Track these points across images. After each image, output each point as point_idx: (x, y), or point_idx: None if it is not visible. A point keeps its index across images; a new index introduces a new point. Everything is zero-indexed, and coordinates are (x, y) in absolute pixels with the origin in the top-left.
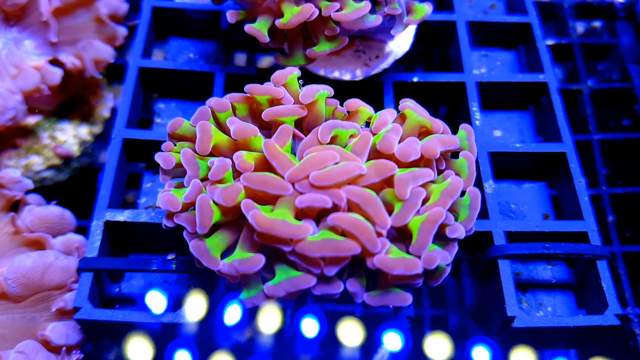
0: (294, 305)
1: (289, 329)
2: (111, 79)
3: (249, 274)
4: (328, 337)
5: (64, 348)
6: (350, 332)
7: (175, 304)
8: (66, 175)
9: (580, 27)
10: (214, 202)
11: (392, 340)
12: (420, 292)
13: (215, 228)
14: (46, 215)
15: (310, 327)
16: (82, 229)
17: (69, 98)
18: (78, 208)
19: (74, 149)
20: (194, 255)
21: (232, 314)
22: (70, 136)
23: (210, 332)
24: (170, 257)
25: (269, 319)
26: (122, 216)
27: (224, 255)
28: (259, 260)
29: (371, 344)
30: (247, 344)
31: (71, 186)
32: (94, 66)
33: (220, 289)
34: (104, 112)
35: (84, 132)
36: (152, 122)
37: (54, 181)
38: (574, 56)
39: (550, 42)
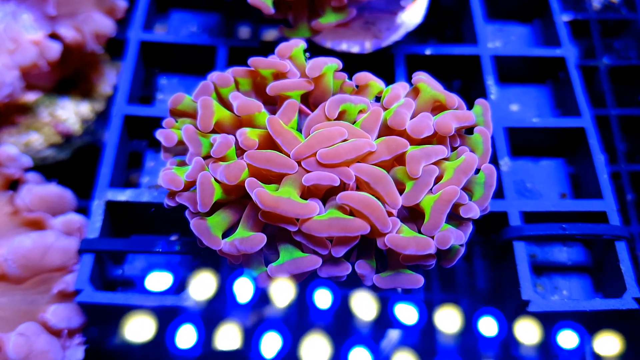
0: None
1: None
2: (113, 55)
3: (250, 254)
4: (338, 314)
5: (65, 331)
6: (361, 309)
7: (179, 286)
8: (68, 153)
9: (596, 3)
10: (216, 180)
11: (405, 314)
12: (430, 275)
13: (217, 207)
14: (46, 194)
15: (323, 299)
16: (85, 210)
17: (69, 74)
18: (80, 187)
19: (75, 126)
20: (195, 234)
21: (242, 290)
22: (72, 113)
23: (216, 310)
24: (173, 238)
25: (281, 292)
26: (124, 196)
27: (226, 235)
28: (261, 239)
29: (379, 328)
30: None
31: (73, 165)
32: (95, 40)
33: (223, 270)
34: (106, 88)
35: (86, 109)
36: (154, 98)
37: (56, 160)
38: (590, 33)
39: (566, 17)
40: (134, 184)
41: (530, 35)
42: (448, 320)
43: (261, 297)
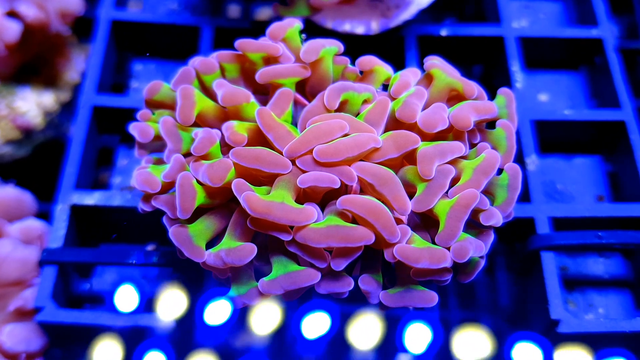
0: (296, 305)
1: (292, 327)
2: (81, 36)
3: (238, 267)
4: (337, 339)
5: (24, 355)
6: (364, 333)
7: (149, 304)
8: (28, 150)
9: None
10: (198, 181)
11: (417, 339)
12: (446, 291)
13: (200, 213)
14: (2, 198)
15: (317, 324)
16: (46, 215)
17: (31, 59)
18: (41, 189)
19: (36, 120)
20: (174, 244)
21: (218, 313)
22: (33, 105)
23: (192, 334)
24: (149, 247)
25: (266, 317)
26: (92, 199)
27: (210, 245)
28: (250, 250)
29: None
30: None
31: (34, 163)
32: (60, 19)
33: (208, 285)
34: (73, 75)
35: (49, 99)
36: (128, 86)
37: (14, 158)
38: (633, 8)
39: None
40: (103, 185)
41: (562, 13)
42: (472, 346)
43: (240, 320)
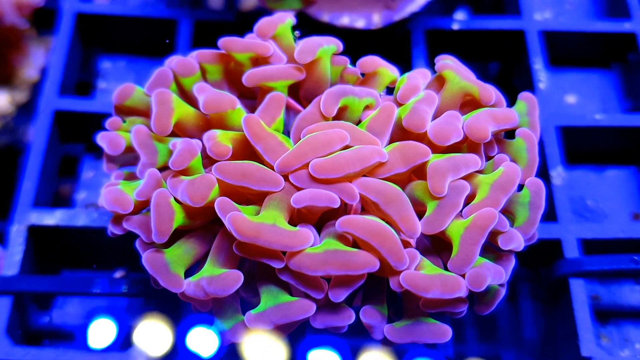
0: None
1: None
2: (41, 29)
3: (222, 298)
4: None
5: None
6: None
7: (126, 339)
8: None
9: None
10: (176, 200)
11: None
12: (461, 323)
13: (178, 236)
14: None
15: None
16: (0, 237)
17: None
18: None
19: None
20: (149, 271)
21: (202, 345)
22: None
23: None
24: (118, 274)
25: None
26: (53, 218)
27: (190, 272)
28: (236, 278)
29: None
30: None
31: None
32: (16, 10)
33: (186, 319)
34: (31, 73)
35: (3, 100)
36: (94, 87)
37: None
38: None
39: None
40: (65, 201)
41: (591, 4)
42: None
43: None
